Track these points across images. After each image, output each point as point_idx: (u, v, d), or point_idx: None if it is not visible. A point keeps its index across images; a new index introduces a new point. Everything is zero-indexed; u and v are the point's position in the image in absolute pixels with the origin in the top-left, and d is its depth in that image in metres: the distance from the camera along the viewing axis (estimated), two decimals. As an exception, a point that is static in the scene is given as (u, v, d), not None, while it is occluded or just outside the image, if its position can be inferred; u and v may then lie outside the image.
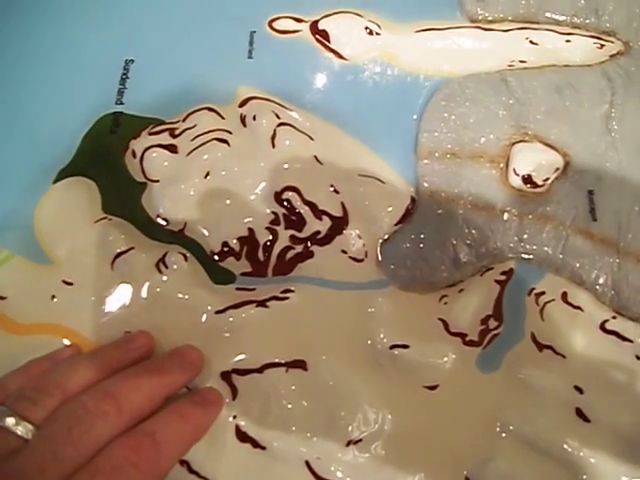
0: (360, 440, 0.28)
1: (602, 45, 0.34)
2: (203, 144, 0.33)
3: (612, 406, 0.29)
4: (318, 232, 0.32)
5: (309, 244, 0.32)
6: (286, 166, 0.33)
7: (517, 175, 0.32)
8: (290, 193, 0.32)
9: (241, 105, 0.34)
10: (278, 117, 0.33)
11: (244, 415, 0.29)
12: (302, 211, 0.32)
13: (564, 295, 0.31)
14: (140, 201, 0.33)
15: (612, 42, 0.35)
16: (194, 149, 0.33)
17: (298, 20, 0.36)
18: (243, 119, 0.33)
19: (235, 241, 0.32)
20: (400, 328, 0.30)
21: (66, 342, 0.30)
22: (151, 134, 0.33)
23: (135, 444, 0.24)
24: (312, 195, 0.32)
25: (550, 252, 0.31)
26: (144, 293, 0.31)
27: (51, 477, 0.23)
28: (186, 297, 0.31)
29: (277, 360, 0.30)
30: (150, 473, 0.24)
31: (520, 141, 0.33)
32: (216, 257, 0.32)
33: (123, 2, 0.37)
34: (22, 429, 0.24)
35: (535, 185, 0.32)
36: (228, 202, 0.32)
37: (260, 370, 0.29)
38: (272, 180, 0.32)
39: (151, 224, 0.32)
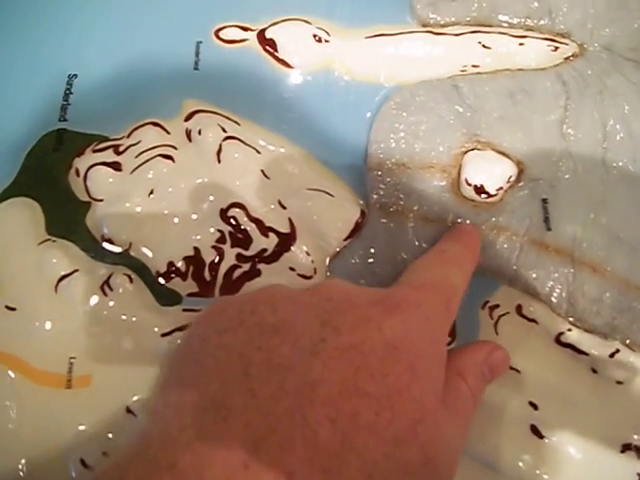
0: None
1: (556, 47, 0.33)
2: (147, 161, 0.32)
3: (568, 422, 0.28)
4: (265, 250, 0.31)
5: (256, 262, 0.31)
6: (232, 182, 0.32)
7: (469, 185, 0.31)
8: (236, 210, 0.31)
9: (187, 119, 0.33)
10: (224, 131, 0.32)
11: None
12: (248, 228, 0.31)
13: (519, 308, 0.30)
14: (84, 221, 0.32)
15: (567, 44, 0.34)
16: (138, 166, 0.32)
17: (245, 29, 0.35)
18: (188, 134, 0.32)
19: (181, 261, 0.31)
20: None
21: (10, 372, 0.29)
22: (95, 151, 0.33)
23: None
24: (258, 211, 0.31)
25: (504, 264, 0.30)
26: (89, 316, 0.30)
27: None
28: (132, 319, 0.30)
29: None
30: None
31: (472, 149, 0.32)
32: (162, 278, 0.31)
33: (65, 16, 0.36)
34: None
35: (488, 195, 0.31)
36: (174, 221, 0.31)
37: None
38: (218, 197, 0.31)
39: (95, 245, 0.31)
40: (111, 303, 0.30)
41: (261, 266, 0.31)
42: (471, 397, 0.25)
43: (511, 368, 0.29)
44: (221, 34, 0.35)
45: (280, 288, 0.25)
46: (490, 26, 0.34)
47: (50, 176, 0.33)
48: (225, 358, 0.22)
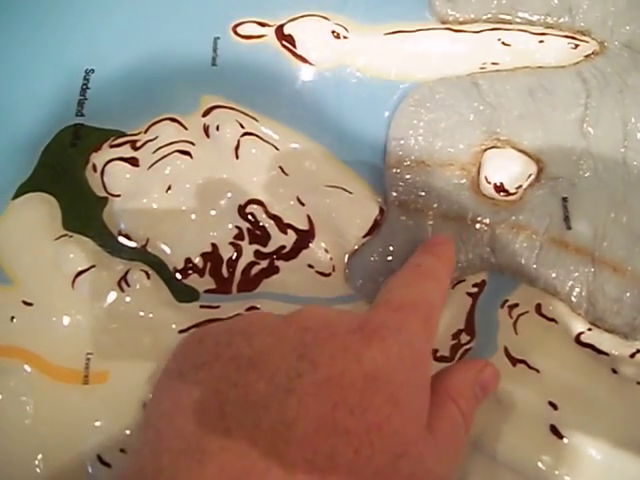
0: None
1: (576, 45, 0.33)
2: (165, 156, 0.32)
3: (588, 422, 0.28)
4: (283, 246, 0.31)
5: (274, 259, 0.31)
6: (250, 178, 0.31)
7: (489, 183, 0.31)
8: (254, 206, 0.31)
9: (204, 114, 0.33)
10: (242, 127, 0.32)
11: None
12: (267, 225, 0.31)
13: (538, 307, 0.30)
14: (101, 217, 0.32)
15: (587, 42, 0.33)
16: (156, 162, 0.32)
17: (263, 24, 0.34)
18: (206, 129, 0.32)
19: (198, 257, 0.31)
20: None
21: (26, 367, 0.29)
22: (112, 147, 0.32)
23: None
24: (277, 208, 0.31)
25: (524, 262, 0.30)
26: (106, 312, 0.30)
27: None
28: (149, 316, 0.30)
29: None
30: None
31: (492, 147, 0.32)
32: (179, 274, 0.31)
33: (82, 10, 0.35)
34: None
35: (508, 193, 0.31)
36: (191, 217, 0.31)
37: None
38: (236, 193, 0.31)
39: (113, 241, 0.31)
40: (128, 299, 0.30)
41: (279, 263, 0.31)
42: (463, 421, 0.24)
43: (530, 367, 0.29)
44: (239, 30, 0.34)
45: (257, 317, 0.25)
46: (510, 23, 0.34)
47: (67, 171, 0.32)
48: (201, 396, 0.22)
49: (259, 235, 0.31)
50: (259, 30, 0.34)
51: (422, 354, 0.23)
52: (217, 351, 0.23)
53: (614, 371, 0.29)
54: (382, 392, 0.21)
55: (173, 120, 0.33)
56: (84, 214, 0.32)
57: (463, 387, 0.25)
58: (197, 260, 0.31)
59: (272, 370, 0.21)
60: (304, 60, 0.34)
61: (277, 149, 0.32)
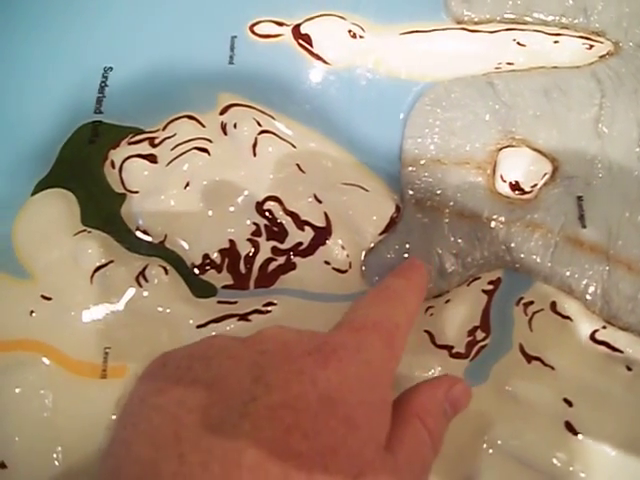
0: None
1: (591, 46, 0.33)
2: (183, 153, 0.32)
3: (602, 419, 0.28)
4: (300, 243, 0.31)
5: (291, 255, 0.31)
6: (267, 175, 0.32)
7: (504, 182, 0.31)
8: (272, 203, 0.31)
9: (222, 112, 0.33)
10: (259, 125, 0.32)
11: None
12: (284, 222, 0.31)
13: (553, 305, 0.30)
14: (119, 213, 0.32)
15: (601, 42, 0.34)
16: (174, 159, 0.32)
17: (280, 24, 0.35)
18: (224, 127, 0.33)
19: (216, 253, 0.31)
20: (385, 341, 0.29)
21: (45, 360, 0.30)
22: (130, 144, 0.33)
23: None
24: (294, 205, 0.31)
25: (539, 261, 0.30)
26: (124, 307, 0.31)
27: None
28: (167, 311, 0.30)
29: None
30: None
31: (507, 146, 0.32)
32: (197, 270, 0.31)
33: (101, 9, 0.36)
34: None
35: (523, 192, 0.31)
36: (209, 213, 0.32)
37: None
38: (253, 190, 0.32)
39: (131, 236, 0.32)
40: (146, 294, 0.31)
41: (296, 259, 0.31)
42: (429, 441, 0.23)
43: (545, 365, 0.29)
44: (256, 29, 0.35)
45: (217, 340, 0.24)
46: (525, 24, 0.34)
47: (86, 168, 0.33)
48: (159, 421, 0.21)
49: (276, 232, 0.31)
50: (276, 29, 0.35)
51: (382, 373, 0.23)
52: (177, 375, 0.22)
53: (629, 368, 0.29)
54: (337, 414, 0.20)
55: (191, 118, 0.33)
56: (102, 210, 0.32)
57: (430, 405, 0.24)
58: (215, 256, 0.31)
59: (227, 394, 0.21)
60: (320, 59, 0.34)
61: (294, 147, 0.32)
